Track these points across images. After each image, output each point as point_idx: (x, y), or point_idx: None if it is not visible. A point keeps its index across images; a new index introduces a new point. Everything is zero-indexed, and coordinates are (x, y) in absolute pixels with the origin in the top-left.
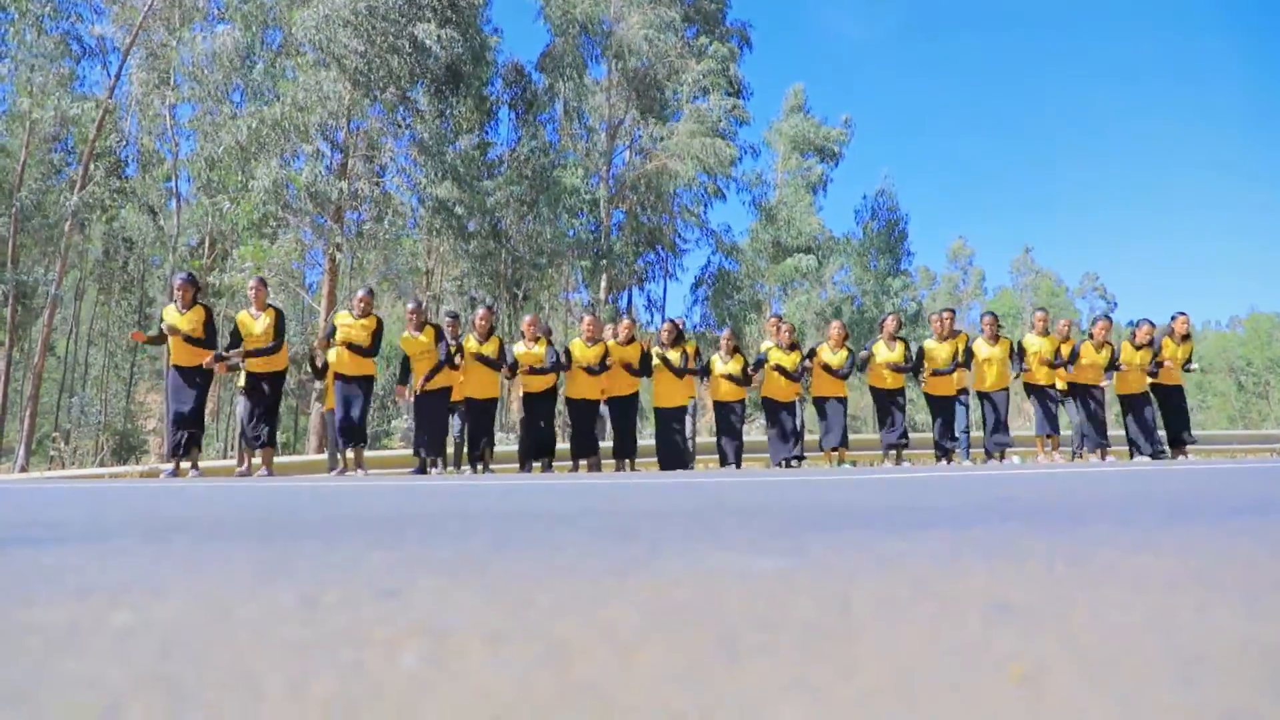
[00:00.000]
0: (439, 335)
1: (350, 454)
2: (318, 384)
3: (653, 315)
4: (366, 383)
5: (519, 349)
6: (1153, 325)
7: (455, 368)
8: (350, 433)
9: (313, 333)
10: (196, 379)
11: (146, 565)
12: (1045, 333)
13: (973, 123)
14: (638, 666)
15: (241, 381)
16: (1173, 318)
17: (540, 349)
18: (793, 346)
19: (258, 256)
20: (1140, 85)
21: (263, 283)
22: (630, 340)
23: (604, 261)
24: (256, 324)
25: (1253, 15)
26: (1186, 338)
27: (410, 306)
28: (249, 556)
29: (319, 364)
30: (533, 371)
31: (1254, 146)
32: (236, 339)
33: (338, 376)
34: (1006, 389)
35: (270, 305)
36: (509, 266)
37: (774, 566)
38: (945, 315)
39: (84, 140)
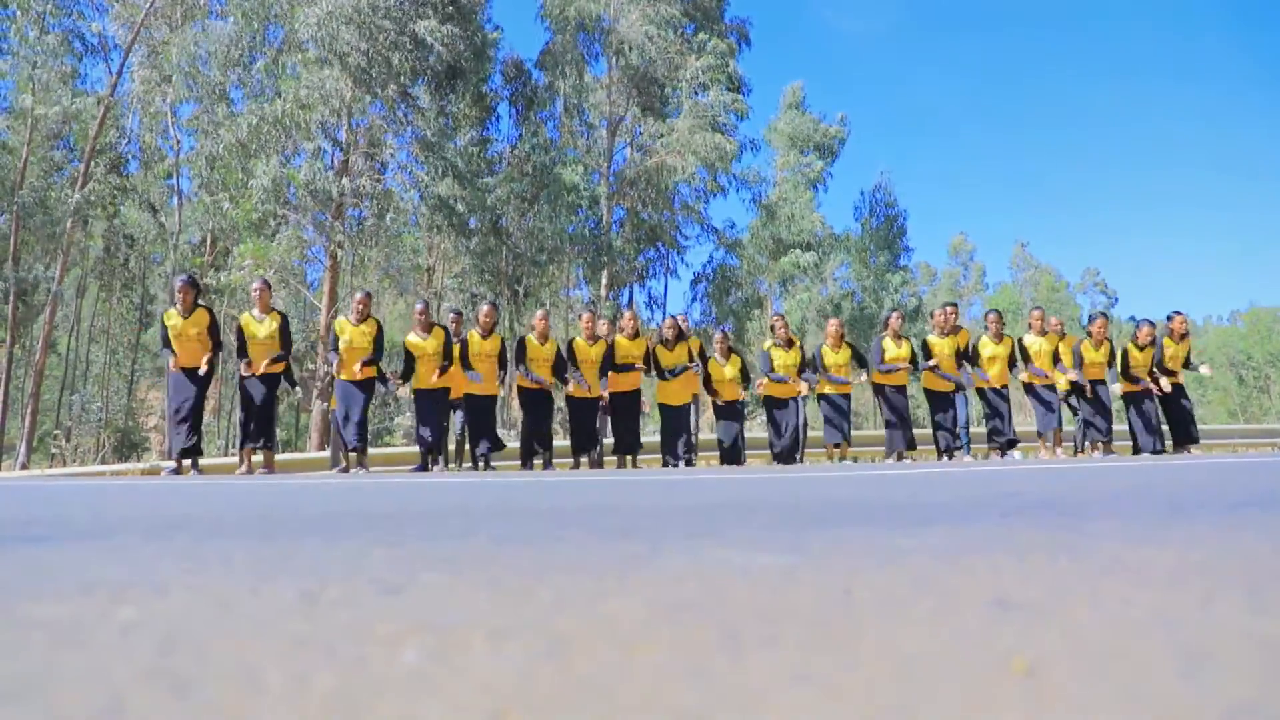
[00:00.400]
0: (447, 338)
1: (353, 453)
2: (318, 381)
3: (653, 312)
4: (368, 385)
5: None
6: (1153, 325)
7: (460, 366)
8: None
9: (313, 330)
10: (196, 379)
11: (148, 562)
12: (1043, 332)
13: (972, 119)
14: (640, 661)
15: (237, 395)
16: (1169, 318)
17: (550, 350)
18: (789, 344)
19: (258, 255)
20: (1140, 83)
21: (267, 285)
22: (635, 334)
23: (604, 258)
24: (261, 327)
25: (1253, 14)
26: (1184, 336)
27: (419, 307)
28: (250, 553)
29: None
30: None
31: (1253, 144)
32: (241, 341)
33: (339, 380)
34: (1007, 385)
35: (275, 309)
36: (510, 263)
37: (775, 563)
38: (949, 310)
39: (85, 137)
